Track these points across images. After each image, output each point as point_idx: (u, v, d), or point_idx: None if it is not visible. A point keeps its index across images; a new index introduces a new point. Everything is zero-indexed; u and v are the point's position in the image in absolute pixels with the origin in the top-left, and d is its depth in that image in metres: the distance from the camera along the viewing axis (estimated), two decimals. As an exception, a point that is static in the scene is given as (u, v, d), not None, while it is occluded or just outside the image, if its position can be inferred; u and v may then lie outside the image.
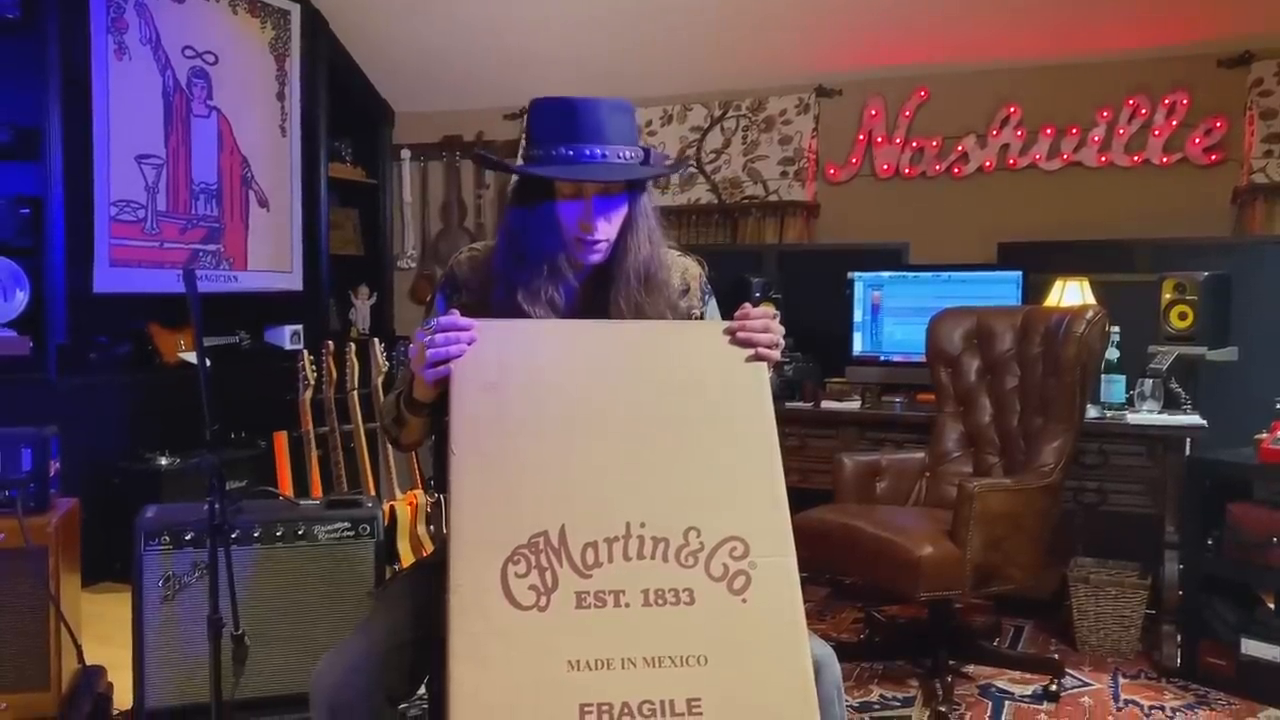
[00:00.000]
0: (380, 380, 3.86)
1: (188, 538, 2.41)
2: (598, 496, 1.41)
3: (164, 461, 4.15)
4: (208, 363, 2.11)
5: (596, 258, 1.71)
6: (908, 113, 4.79)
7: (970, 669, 3.26)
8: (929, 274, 4.12)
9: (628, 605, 1.34)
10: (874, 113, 4.85)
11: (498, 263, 1.74)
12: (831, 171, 4.95)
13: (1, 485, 2.36)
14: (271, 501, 2.69)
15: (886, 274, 4.17)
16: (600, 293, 1.73)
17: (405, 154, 5.79)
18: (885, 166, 4.83)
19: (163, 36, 4.31)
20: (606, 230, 1.69)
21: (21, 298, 3.90)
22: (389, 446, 3.81)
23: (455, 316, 1.53)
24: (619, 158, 1.65)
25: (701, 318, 1.84)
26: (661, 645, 1.33)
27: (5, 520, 2.34)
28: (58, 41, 3.92)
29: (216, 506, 2.05)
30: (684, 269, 1.85)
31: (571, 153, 1.63)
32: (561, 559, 1.36)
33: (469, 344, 1.50)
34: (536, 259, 1.69)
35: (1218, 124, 4.28)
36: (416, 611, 1.60)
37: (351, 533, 2.56)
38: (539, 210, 1.69)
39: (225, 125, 4.60)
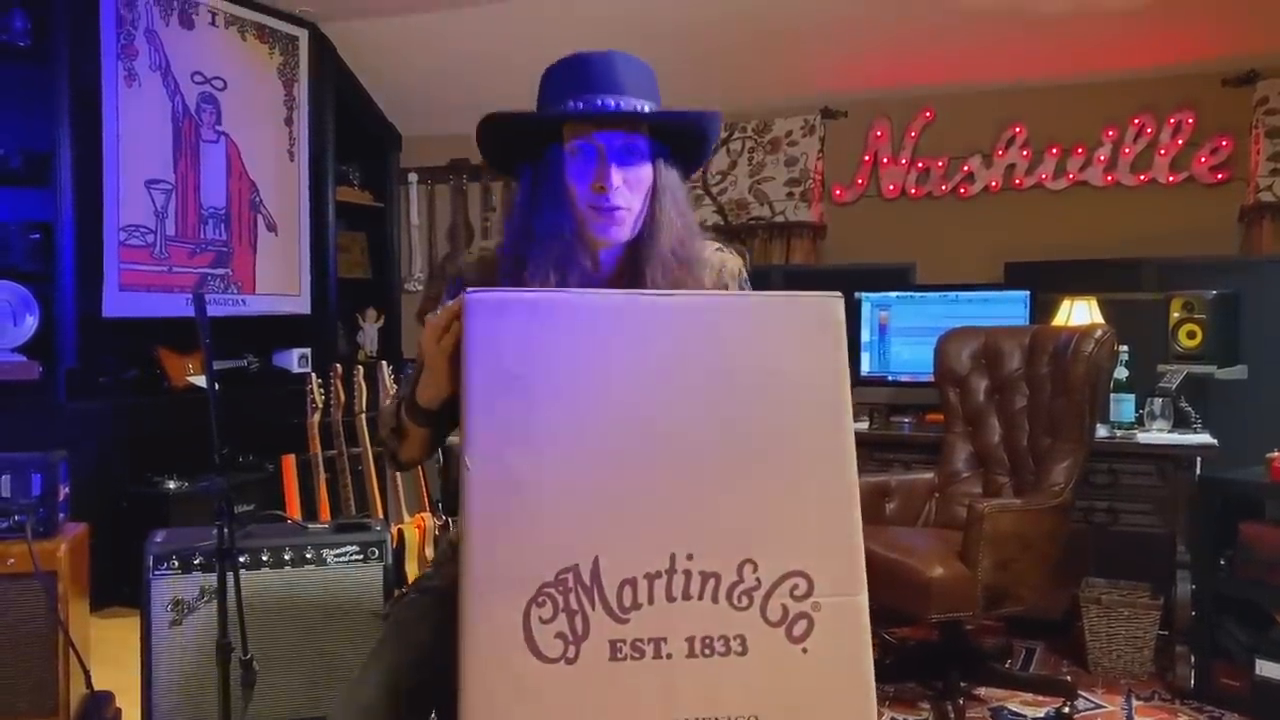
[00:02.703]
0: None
1: (196, 562, 2.41)
2: (638, 522, 1.18)
3: (172, 485, 4.15)
4: (216, 386, 2.11)
5: (616, 230, 1.48)
6: (913, 133, 4.80)
7: (982, 691, 3.24)
8: (936, 294, 4.12)
9: (670, 656, 1.16)
10: (879, 134, 4.87)
11: (506, 248, 1.53)
12: (838, 192, 4.96)
13: (11, 510, 2.37)
14: (280, 525, 2.69)
15: (894, 294, 4.17)
16: (629, 282, 1.51)
17: (412, 177, 5.82)
18: (891, 187, 4.84)
19: (172, 63, 4.34)
20: (626, 197, 1.47)
21: (31, 322, 3.91)
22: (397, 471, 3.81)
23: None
24: (636, 107, 1.45)
25: None
26: (708, 704, 1.16)
27: (14, 545, 2.34)
28: (68, 68, 3.96)
29: (225, 531, 2.05)
30: (721, 264, 1.62)
31: (582, 104, 1.44)
32: (594, 600, 1.16)
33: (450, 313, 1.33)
34: (548, 236, 1.47)
35: (1224, 143, 4.28)
36: (432, 645, 1.44)
37: (360, 556, 2.55)
38: (550, 179, 1.47)
39: (234, 150, 4.63)
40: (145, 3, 4.23)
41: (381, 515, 3.72)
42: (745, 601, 1.18)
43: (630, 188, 1.46)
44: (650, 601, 1.17)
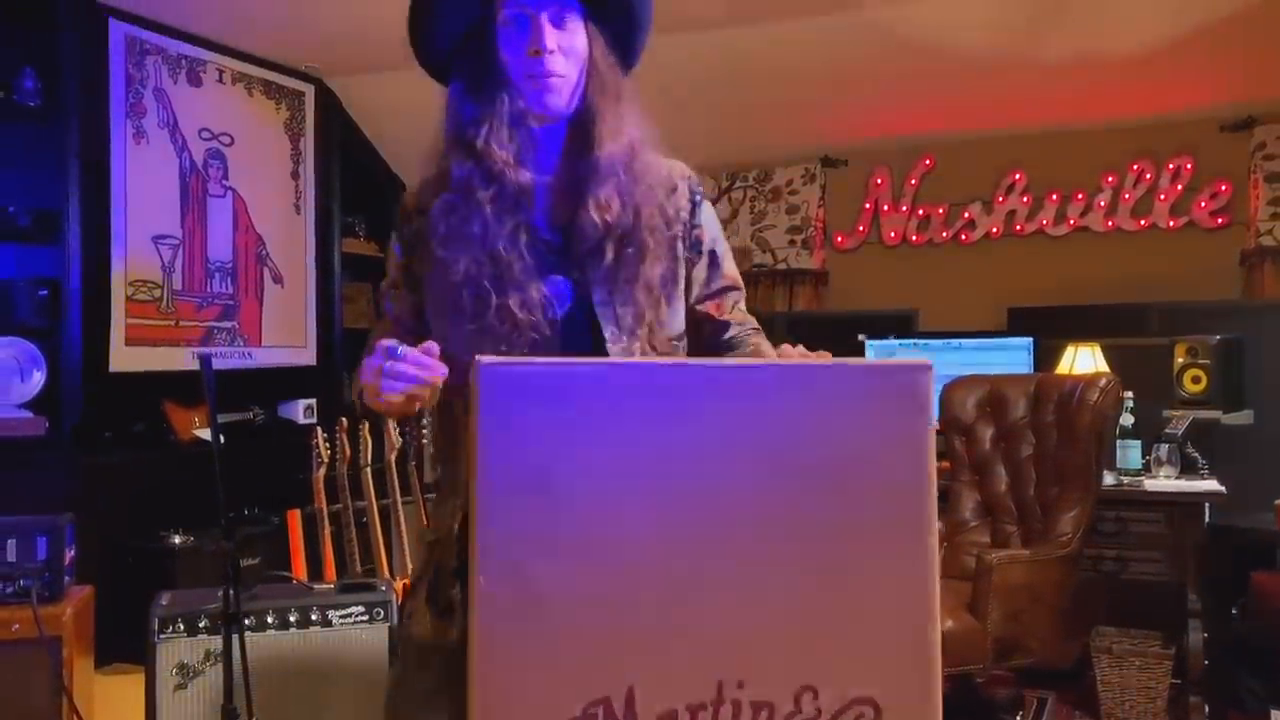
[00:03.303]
0: (394, 457, 3.86)
1: (201, 624, 2.39)
2: (680, 645, 0.99)
3: (178, 540, 4.14)
4: (222, 440, 2.11)
5: (552, 99, 1.40)
6: (913, 180, 4.84)
7: (994, 744, 3.20)
8: (940, 341, 4.12)
9: None
10: (880, 181, 4.90)
11: (447, 141, 1.46)
12: (839, 239, 4.98)
13: (17, 575, 2.37)
14: (285, 586, 2.68)
15: (897, 341, 4.18)
16: (579, 164, 1.44)
17: (417, 228, 5.85)
18: (892, 234, 4.87)
19: (180, 120, 4.40)
20: (562, 64, 1.40)
21: (38, 378, 3.93)
22: (401, 525, 3.81)
23: (422, 352, 1.25)
24: None
25: (692, 225, 1.53)
26: None
27: (20, 610, 2.33)
28: (78, 127, 4.00)
29: (231, 595, 2.05)
30: (669, 164, 1.55)
31: None
32: None
33: (433, 377, 1.24)
34: (483, 111, 1.40)
35: (1223, 188, 4.31)
36: None
37: (365, 617, 2.54)
38: (481, 55, 1.42)
39: (241, 204, 4.67)
40: (154, 62, 4.29)
41: (386, 569, 3.71)
42: None
43: (565, 54, 1.40)
44: None
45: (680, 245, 1.49)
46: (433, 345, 1.26)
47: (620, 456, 0.98)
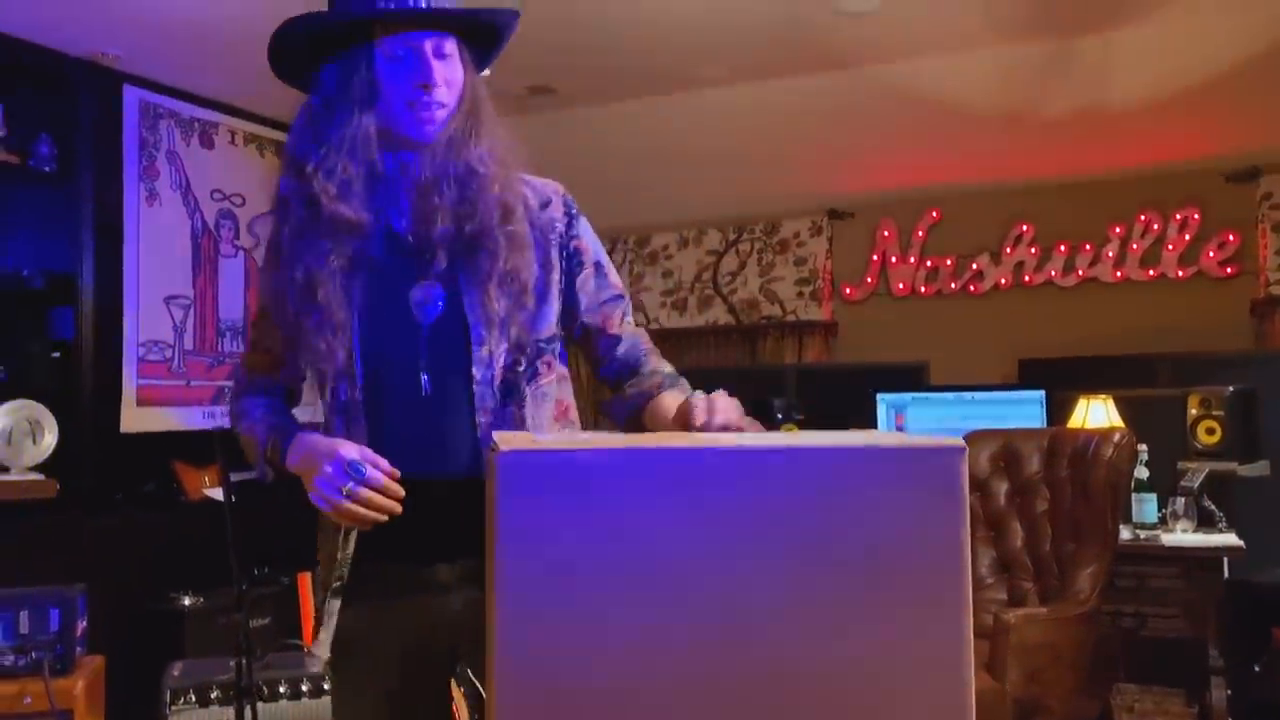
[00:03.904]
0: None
1: (213, 695, 2.38)
2: None
3: (188, 602, 4.11)
4: (233, 501, 2.11)
5: (432, 129, 1.42)
6: (921, 232, 4.86)
7: (1016, 807, 3.14)
8: (952, 394, 4.11)
9: None
10: (887, 233, 4.92)
11: (292, 158, 1.45)
12: (847, 291, 5.00)
13: (29, 647, 2.35)
14: (296, 655, 2.66)
15: (909, 395, 4.17)
16: (438, 176, 1.44)
17: (426, 283, 5.88)
18: (901, 285, 4.88)
19: (192, 181, 4.44)
20: (444, 94, 1.42)
21: (50, 441, 3.93)
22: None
23: (387, 475, 1.32)
24: (450, 7, 1.43)
25: (570, 236, 1.55)
26: None
27: (32, 683, 2.32)
28: (92, 191, 4.04)
29: (244, 665, 2.03)
30: (542, 182, 1.58)
31: (394, 4, 1.39)
32: None
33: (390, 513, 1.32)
34: (344, 138, 1.41)
35: (1231, 237, 4.32)
36: None
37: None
38: (357, 80, 1.41)
39: (252, 264, 4.70)
40: (167, 125, 4.35)
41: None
42: None
43: (448, 85, 1.43)
44: None
45: (556, 254, 1.53)
46: (392, 470, 1.33)
47: (644, 547, 0.94)
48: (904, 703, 0.98)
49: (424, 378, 1.43)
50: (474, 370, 1.45)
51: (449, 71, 1.43)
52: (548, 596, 0.92)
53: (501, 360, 1.46)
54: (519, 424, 1.47)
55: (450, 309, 1.44)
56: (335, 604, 1.45)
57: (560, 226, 1.55)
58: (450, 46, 1.44)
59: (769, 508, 0.96)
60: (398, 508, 1.32)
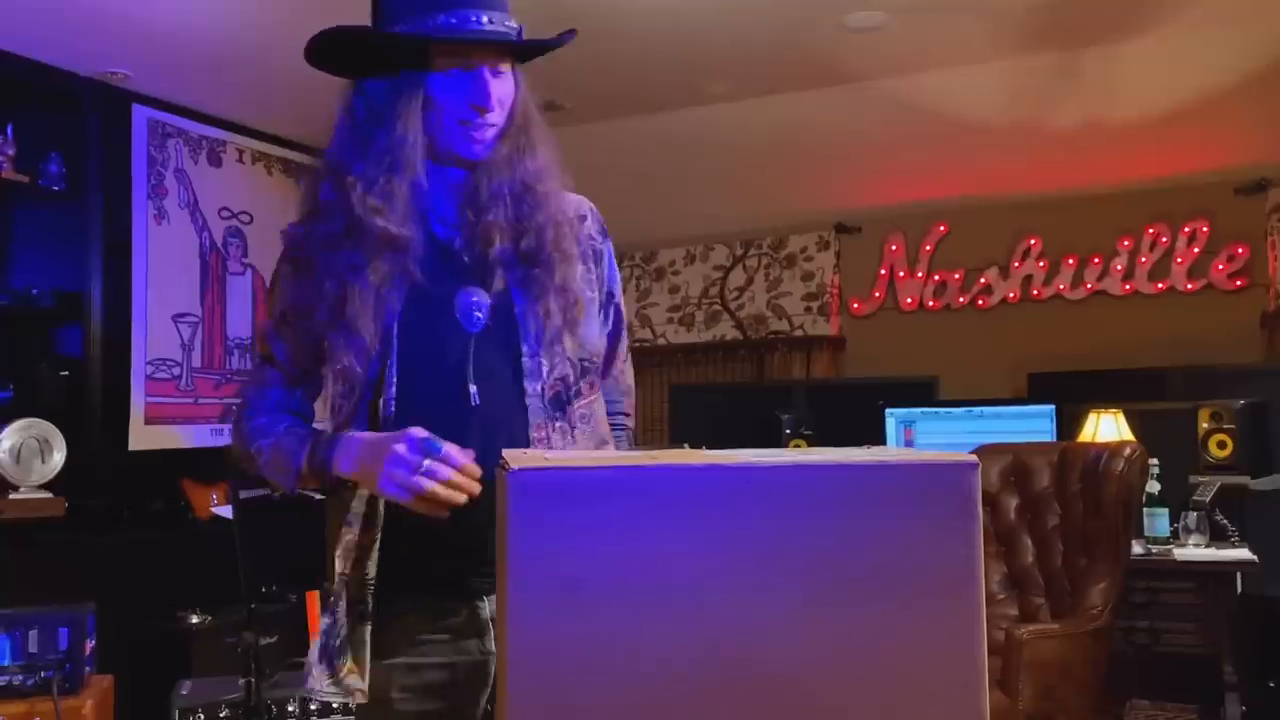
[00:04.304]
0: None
1: (223, 714, 2.37)
2: None
3: (195, 620, 4.10)
4: (241, 519, 2.11)
5: (482, 148, 1.41)
6: (928, 247, 4.85)
7: (1030, 825, 3.11)
8: (961, 409, 4.10)
9: None
10: (894, 248, 4.92)
11: (333, 166, 1.41)
12: (855, 306, 4.99)
13: (38, 666, 2.35)
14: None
15: (918, 410, 4.15)
16: (490, 213, 1.42)
17: (434, 299, 5.89)
18: (909, 300, 4.87)
19: (200, 200, 4.46)
20: (497, 114, 1.41)
21: (58, 459, 3.93)
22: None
23: (466, 455, 1.26)
24: (505, 26, 1.39)
25: (601, 255, 1.55)
26: None
27: (41, 702, 2.31)
28: (101, 210, 4.06)
29: (253, 685, 2.02)
30: (573, 199, 1.56)
31: (455, 20, 1.35)
32: None
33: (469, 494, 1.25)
34: (389, 149, 1.37)
35: (1240, 250, 4.31)
36: None
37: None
38: (409, 95, 1.38)
39: (260, 282, 4.71)
40: (175, 144, 4.36)
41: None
42: None
43: (501, 105, 1.41)
44: None
45: (592, 269, 1.51)
46: (470, 453, 1.26)
47: (655, 564, 0.93)
48: (918, 716, 0.96)
49: (473, 389, 1.37)
50: (526, 383, 1.40)
51: (503, 90, 1.42)
52: (559, 614, 0.92)
53: (556, 373, 1.42)
54: (569, 442, 1.43)
55: (499, 319, 1.40)
56: (365, 630, 1.36)
57: (596, 245, 1.55)
58: (505, 64, 1.43)
59: (780, 525, 0.96)
60: (477, 488, 1.25)
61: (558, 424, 1.43)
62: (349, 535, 1.36)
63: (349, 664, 1.35)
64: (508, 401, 1.39)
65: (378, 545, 1.36)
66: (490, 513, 1.13)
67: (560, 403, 1.43)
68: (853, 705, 0.96)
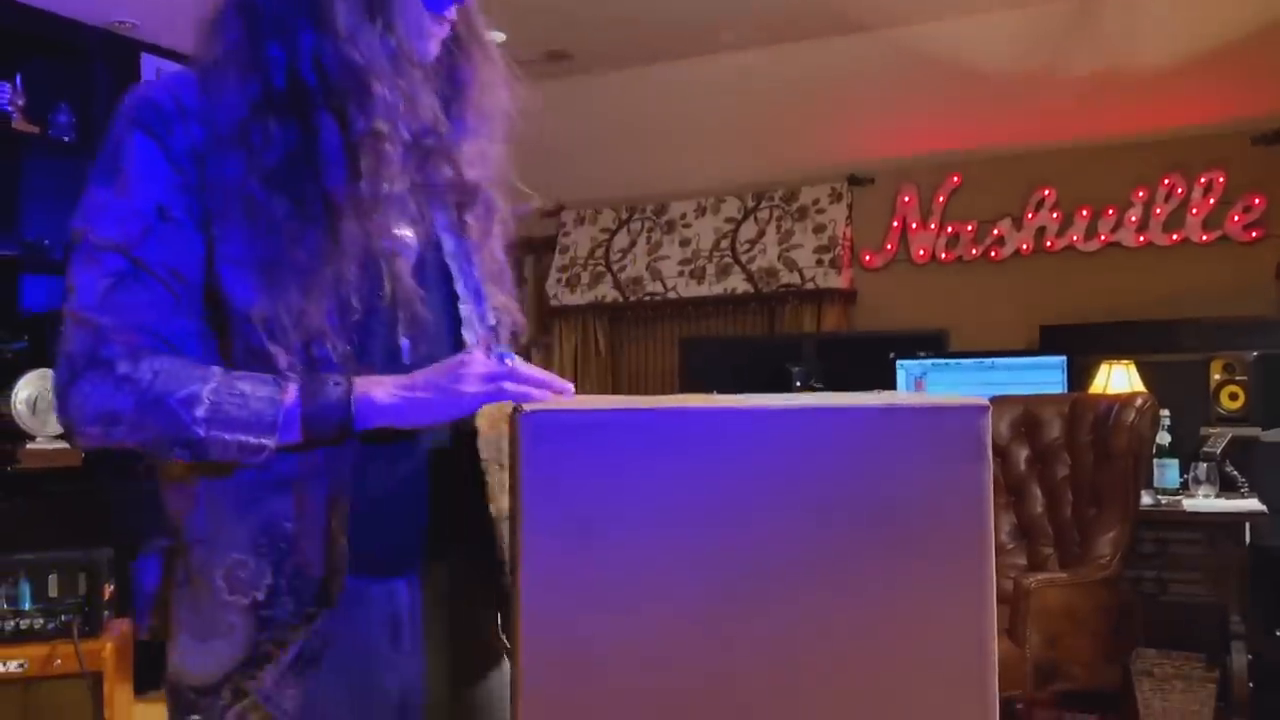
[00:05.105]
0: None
1: (239, 658, 2.40)
2: (729, 703, 0.95)
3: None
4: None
5: (435, 48, 1.18)
6: (941, 198, 4.82)
7: (1035, 770, 3.16)
8: (971, 361, 4.10)
9: None
10: (907, 199, 4.88)
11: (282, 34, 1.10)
12: (867, 258, 4.97)
13: (58, 610, 2.39)
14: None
15: (929, 361, 4.15)
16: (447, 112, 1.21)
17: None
18: (921, 252, 4.85)
19: (210, 150, 4.44)
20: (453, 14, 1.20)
21: (74, 409, 3.97)
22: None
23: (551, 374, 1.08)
24: None
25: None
26: None
27: (62, 645, 2.35)
28: (111, 161, 4.06)
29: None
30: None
31: None
32: None
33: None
34: (368, 35, 1.10)
35: (1256, 201, 4.27)
36: None
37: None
38: None
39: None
40: (184, 94, 4.35)
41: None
42: None
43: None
44: None
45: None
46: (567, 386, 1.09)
47: (666, 506, 0.94)
48: (926, 659, 0.97)
49: (404, 343, 1.15)
50: (464, 334, 1.22)
51: None
52: (571, 555, 0.93)
53: (488, 322, 1.26)
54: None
55: (429, 261, 1.20)
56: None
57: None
58: None
59: (790, 468, 0.96)
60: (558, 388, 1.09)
61: None
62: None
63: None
64: (440, 356, 1.17)
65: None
66: (415, 468, 1.14)
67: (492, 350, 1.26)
68: (860, 641, 0.97)
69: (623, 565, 0.93)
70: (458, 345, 1.21)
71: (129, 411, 1.03)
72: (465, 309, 1.22)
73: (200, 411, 1.02)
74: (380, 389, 1.07)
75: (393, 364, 1.13)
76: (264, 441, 1.04)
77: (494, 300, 1.28)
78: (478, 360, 1.08)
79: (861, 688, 0.96)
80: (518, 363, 1.08)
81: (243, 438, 1.03)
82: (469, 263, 1.25)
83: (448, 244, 1.23)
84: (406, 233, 1.17)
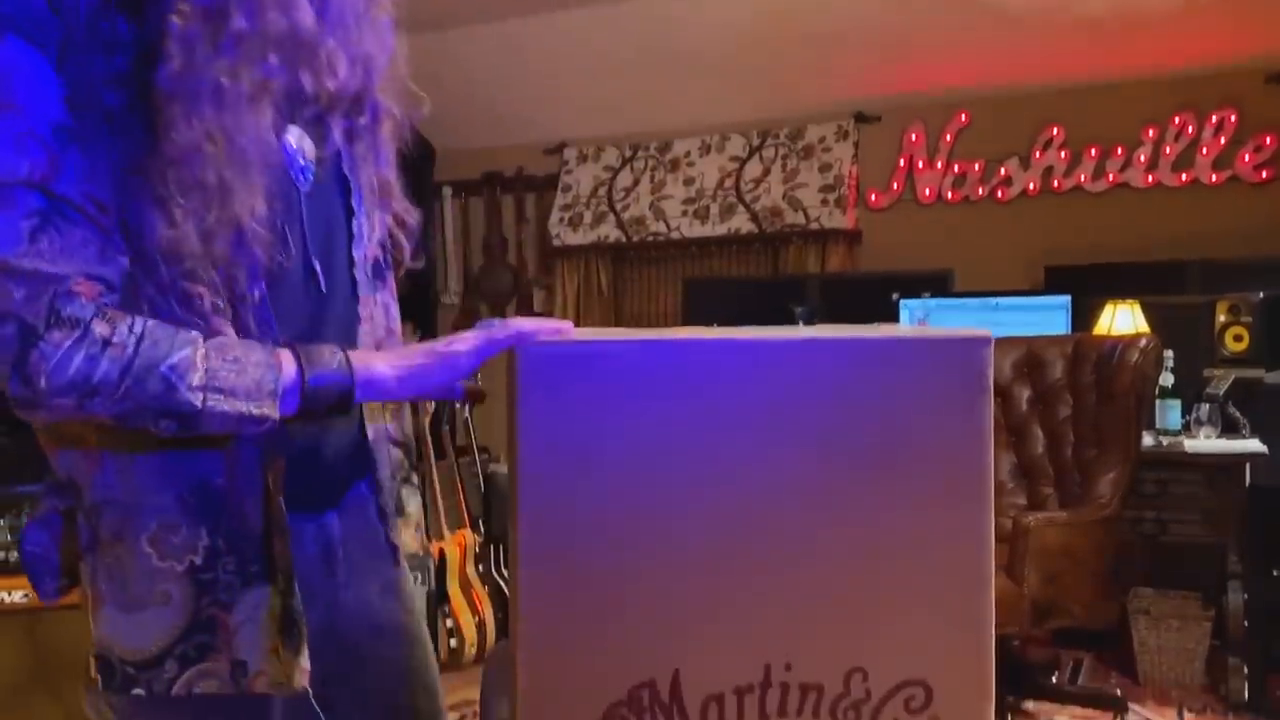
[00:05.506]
0: (427, 420, 3.88)
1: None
2: (727, 627, 0.97)
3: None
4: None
5: None
6: (949, 137, 4.76)
7: (1030, 705, 3.21)
8: (976, 300, 4.08)
9: None
10: (914, 138, 4.83)
11: None
12: (873, 198, 4.92)
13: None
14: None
15: (933, 301, 4.13)
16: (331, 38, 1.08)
17: (446, 191, 5.85)
18: (927, 192, 4.80)
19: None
20: None
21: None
22: (435, 486, 3.84)
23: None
24: None
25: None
26: None
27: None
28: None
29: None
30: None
31: None
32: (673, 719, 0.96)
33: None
34: None
35: (1268, 140, 4.21)
36: None
37: (404, 582, 2.56)
38: None
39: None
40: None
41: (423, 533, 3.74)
42: (851, 717, 0.99)
43: None
44: None
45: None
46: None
47: (663, 435, 0.95)
48: (923, 586, 0.99)
49: (317, 264, 1.09)
50: (354, 250, 1.15)
51: None
52: (569, 484, 0.94)
53: (376, 236, 1.19)
54: (387, 325, 1.21)
55: (327, 168, 1.12)
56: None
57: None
58: None
59: (788, 399, 0.97)
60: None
61: (379, 297, 1.20)
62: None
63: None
64: (340, 275, 1.13)
65: None
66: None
67: (380, 277, 1.22)
68: (859, 572, 0.98)
69: (620, 494, 0.95)
70: (350, 264, 1.14)
71: (112, 381, 0.91)
72: (358, 224, 1.16)
73: (195, 379, 0.93)
74: (378, 360, 1.03)
75: (310, 288, 1.08)
76: (266, 412, 0.96)
77: (381, 216, 1.21)
78: (467, 332, 1.05)
79: (859, 613, 0.98)
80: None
81: (244, 408, 0.95)
82: (356, 175, 1.17)
83: (336, 154, 1.14)
84: (294, 144, 1.07)
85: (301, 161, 1.08)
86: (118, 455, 1.01)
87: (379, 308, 1.20)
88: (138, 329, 0.93)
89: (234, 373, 0.95)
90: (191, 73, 0.94)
